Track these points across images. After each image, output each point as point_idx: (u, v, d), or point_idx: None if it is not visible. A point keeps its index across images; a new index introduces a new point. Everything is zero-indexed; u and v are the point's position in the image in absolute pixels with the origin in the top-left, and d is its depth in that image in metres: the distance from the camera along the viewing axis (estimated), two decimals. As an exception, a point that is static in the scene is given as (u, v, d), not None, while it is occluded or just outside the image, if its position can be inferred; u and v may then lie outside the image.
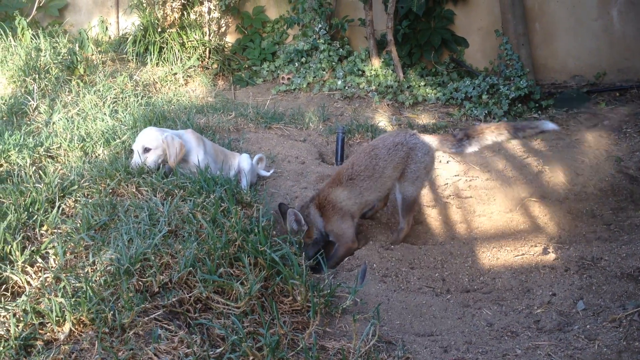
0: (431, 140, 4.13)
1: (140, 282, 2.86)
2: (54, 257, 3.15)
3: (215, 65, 8.87)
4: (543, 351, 2.86)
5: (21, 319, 2.64)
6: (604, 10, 7.46)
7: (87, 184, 3.99)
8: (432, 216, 4.59)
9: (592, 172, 4.96)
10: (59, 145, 4.85)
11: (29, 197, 3.72)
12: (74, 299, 2.69)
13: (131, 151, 4.80)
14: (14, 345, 2.48)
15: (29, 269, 3.04)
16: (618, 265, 3.66)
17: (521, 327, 3.16)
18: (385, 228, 4.51)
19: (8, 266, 3.00)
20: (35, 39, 8.02)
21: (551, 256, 3.91)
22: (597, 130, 6.29)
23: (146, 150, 4.33)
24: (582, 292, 3.42)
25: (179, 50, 8.66)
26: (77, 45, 8.12)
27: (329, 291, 3.11)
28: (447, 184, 5.15)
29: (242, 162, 4.85)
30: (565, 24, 7.68)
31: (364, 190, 4.05)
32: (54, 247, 3.20)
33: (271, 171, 5.19)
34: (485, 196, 4.83)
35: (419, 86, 7.67)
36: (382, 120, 6.95)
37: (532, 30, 7.74)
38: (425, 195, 4.95)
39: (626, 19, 7.37)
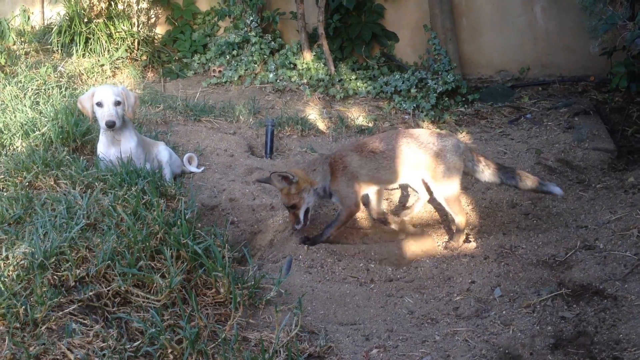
0: (460, 144, 4.08)
1: (55, 277, 2.79)
2: (-36, 252, 3.03)
3: (144, 57, 8.69)
4: (461, 337, 2.95)
5: None
6: (528, 6, 7.68)
7: (2, 176, 3.85)
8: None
9: (514, 164, 5.11)
10: (-26, 137, 4.66)
11: (-61, 191, 3.57)
12: (-17, 295, 2.60)
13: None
14: None
15: (-64, 265, 2.91)
16: (534, 253, 3.80)
17: (441, 314, 3.24)
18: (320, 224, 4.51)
19: None
20: (-48, 27, 7.68)
21: (472, 245, 4.02)
22: (520, 123, 6.49)
23: (117, 103, 4.33)
24: (499, 279, 3.53)
25: (106, 41, 8.42)
26: (-3, 35, 7.83)
27: (253, 283, 3.10)
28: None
29: (159, 154, 4.78)
30: (490, 20, 7.87)
31: (381, 168, 4.05)
32: (-36, 242, 3.07)
33: (202, 168, 5.12)
34: (410, 188, 4.91)
35: (350, 80, 7.72)
36: (313, 113, 6.97)
37: (460, 25, 7.90)
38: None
39: (549, 15, 7.60)
